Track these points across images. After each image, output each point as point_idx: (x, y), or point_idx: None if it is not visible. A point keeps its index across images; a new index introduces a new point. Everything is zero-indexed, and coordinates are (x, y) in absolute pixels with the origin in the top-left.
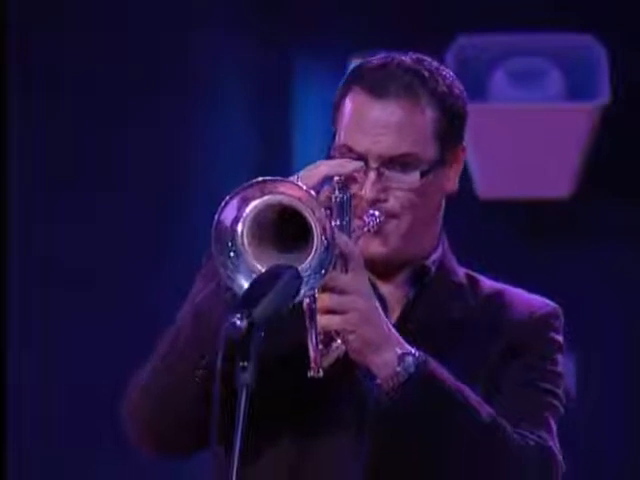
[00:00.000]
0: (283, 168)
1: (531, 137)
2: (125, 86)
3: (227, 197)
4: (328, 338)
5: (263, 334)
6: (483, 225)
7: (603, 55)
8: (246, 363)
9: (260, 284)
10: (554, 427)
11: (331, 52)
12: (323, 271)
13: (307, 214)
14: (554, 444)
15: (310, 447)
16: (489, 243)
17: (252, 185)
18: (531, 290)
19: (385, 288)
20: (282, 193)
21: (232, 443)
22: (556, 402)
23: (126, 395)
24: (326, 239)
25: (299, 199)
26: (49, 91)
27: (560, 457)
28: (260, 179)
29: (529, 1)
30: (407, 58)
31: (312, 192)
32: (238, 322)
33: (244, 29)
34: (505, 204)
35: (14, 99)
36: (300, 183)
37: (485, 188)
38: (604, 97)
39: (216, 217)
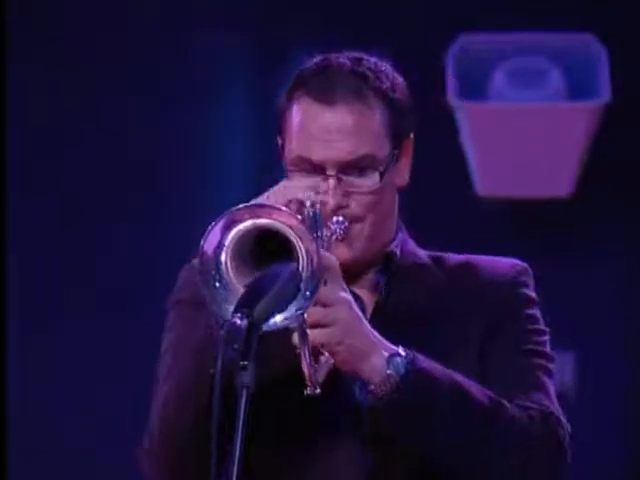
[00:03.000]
0: (283, 174)
1: (531, 136)
2: (126, 86)
3: (212, 223)
4: (316, 352)
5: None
6: (482, 224)
7: (603, 54)
8: (246, 362)
9: (259, 283)
10: (550, 387)
11: (332, 51)
12: (308, 293)
13: (295, 242)
14: (554, 407)
15: (309, 461)
16: (488, 242)
17: (238, 210)
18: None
19: (358, 289)
20: (271, 219)
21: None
22: (545, 362)
23: (144, 442)
24: (311, 267)
25: (289, 226)
26: (49, 90)
27: (564, 419)
28: (244, 205)
29: (529, 0)
30: (346, 60)
31: (299, 217)
32: (238, 321)
33: (245, 29)
34: (505, 203)
35: (14, 98)
36: (285, 208)
37: (485, 187)
38: (604, 96)
39: (200, 245)
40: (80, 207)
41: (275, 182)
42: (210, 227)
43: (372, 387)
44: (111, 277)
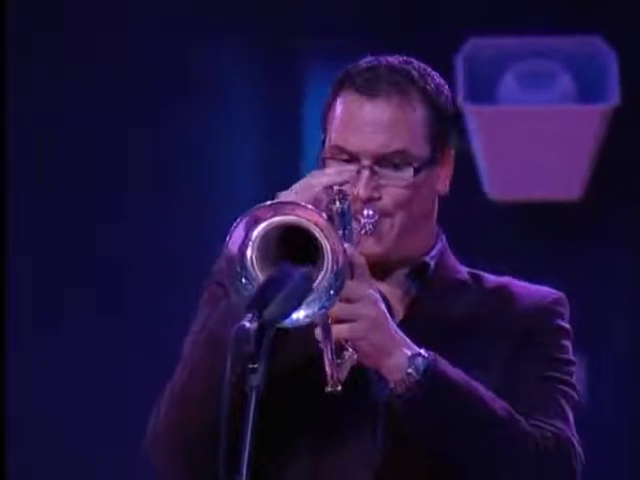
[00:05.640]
0: (292, 170)
1: (541, 139)
2: (131, 88)
3: (237, 220)
4: (339, 347)
5: (274, 341)
6: (493, 227)
7: (613, 57)
8: (256, 365)
9: (270, 286)
10: (570, 415)
11: (341, 54)
12: (332, 292)
13: (321, 239)
14: (572, 433)
15: (325, 456)
16: (498, 245)
17: (263, 207)
18: None
19: (384, 288)
20: (297, 216)
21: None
22: (569, 389)
23: (150, 430)
24: (337, 264)
25: (314, 223)
26: (49, 91)
27: (579, 447)
28: (269, 202)
29: (539, 4)
30: (395, 59)
31: (323, 214)
32: (248, 324)
33: (254, 31)
34: (515, 206)
35: (14, 98)
36: (311, 206)
37: (495, 190)
38: (614, 99)
39: (225, 242)
40: (82, 207)
41: (281, 181)
42: (235, 224)
43: (391, 384)
44: (111, 278)
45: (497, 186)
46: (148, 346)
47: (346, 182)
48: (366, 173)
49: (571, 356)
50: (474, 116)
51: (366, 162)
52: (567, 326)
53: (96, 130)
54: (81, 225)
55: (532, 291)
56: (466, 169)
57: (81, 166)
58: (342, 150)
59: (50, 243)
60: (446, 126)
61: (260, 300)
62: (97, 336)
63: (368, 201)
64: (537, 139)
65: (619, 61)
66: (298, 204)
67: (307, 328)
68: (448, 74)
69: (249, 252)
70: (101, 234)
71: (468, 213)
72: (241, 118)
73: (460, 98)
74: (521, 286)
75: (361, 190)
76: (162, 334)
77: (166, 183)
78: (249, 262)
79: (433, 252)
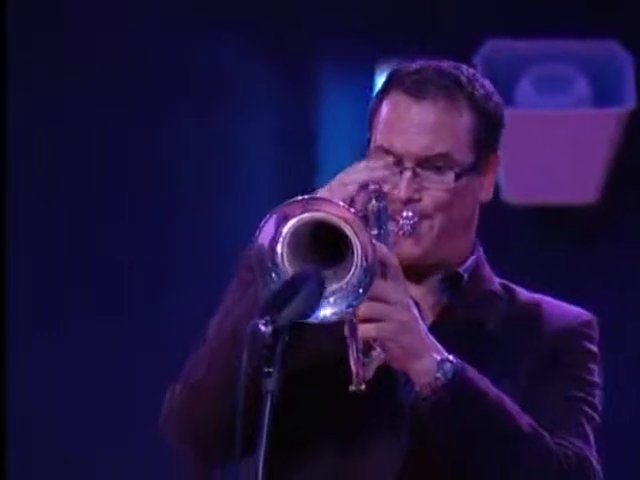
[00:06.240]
0: (307, 171)
1: (557, 143)
2: (131, 88)
3: (267, 215)
4: (367, 346)
5: (293, 340)
6: (509, 230)
7: (629, 61)
8: (271, 369)
9: (285, 290)
10: (591, 437)
11: (357, 57)
12: (361, 290)
13: (350, 235)
14: (592, 454)
15: (347, 456)
16: (515, 248)
17: (293, 203)
18: (557, 295)
19: (416, 291)
20: (326, 212)
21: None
22: (592, 411)
23: (165, 407)
24: (366, 261)
25: (344, 219)
26: (49, 91)
27: (598, 468)
28: (300, 198)
29: (556, 8)
30: (445, 63)
31: (353, 211)
32: (263, 327)
33: (270, 34)
34: (531, 209)
35: (14, 98)
36: (341, 202)
37: (511, 193)
38: (630, 103)
39: (255, 237)
40: (82, 207)
41: (298, 183)
42: (264, 220)
43: (418, 387)
44: (111, 278)
45: (513, 189)
46: (148, 346)
47: (381, 179)
48: (408, 174)
49: (597, 378)
50: None
51: (409, 164)
52: (595, 349)
53: (96, 130)
54: (81, 225)
55: (563, 311)
56: None
57: (81, 166)
58: (387, 151)
59: (50, 243)
60: (493, 134)
61: (275, 305)
62: (97, 336)
63: (408, 202)
64: (553, 143)
65: (635, 65)
66: (327, 200)
67: (336, 325)
68: None
69: (279, 248)
70: (101, 234)
71: (484, 216)
72: (241, 118)
73: None
74: (553, 305)
75: (402, 191)
76: (162, 334)
77: (166, 183)
78: (279, 258)
79: (468, 262)
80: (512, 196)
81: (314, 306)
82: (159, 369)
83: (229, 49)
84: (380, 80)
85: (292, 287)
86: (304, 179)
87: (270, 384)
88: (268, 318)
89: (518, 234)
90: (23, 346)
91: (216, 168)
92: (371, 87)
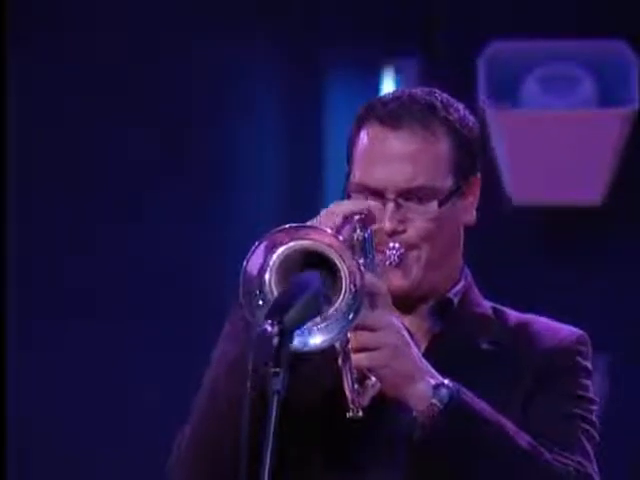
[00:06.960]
0: (314, 178)
1: (563, 143)
2: (131, 88)
3: (255, 243)
4: (361, 376)
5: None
6: (515, 230)
7: (635, 61)
8: (278, 369)
9: (290, 292)
10: (591, 452)
11: (364, 57)
12: (351, 316)
13: (337, 261)
14: (593, 470)
15: None
16: (520, 249)
17: (281, 231)
18: (563, 296)
19: (409, 321)
20: (312, 239)
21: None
22: (590, 428)
23: (175, 454)
24: (354, 286)
25: (330, 246)
26: (49, 91)
27: None
28: (287, 226)
29: (561, 7)
30: (418, 91)
31: (340, 237)
32: (269, 328)
33: (277, 34)
34: (537, 210)
35: (14, 98)
36: (328, 230)
37: (517, 194)
38: (636, 103)
39: (243, 266)
40: (82, 207)
41: (305, 183)
42: (252, 248)
43: (415, 413)
44: (111, 278)
45: (519, 190)
46: (148, 346)
47: (366, 211)
48: (391, 206)
49: (592, 394)
50: (496, 120)
51: (391, 195)
52: (588, 365)
53: (96, 130)
54: (81, 225)
55: (554, 330)
56: (488, 173)
57: (81, 166)
58: (366, 187)
59: (50, 243)
60: (472, 156)
61: (281, 306)
62: (97, 336)
63: (393, 234)
64: (559, 143)
65: None
66: (314, 227)
67: (332, 354)
68: (470, 77)
69: (267, 276)
70: (101, 234)
71: (490, 217)
72: (241, 118)
73: (482, 101)
74: (544, 324)
75: (387, 223)
76: (162, 334)
77: (166, 183)
78: (267, 286)
79: (457, 287)
80: (518, 196)
81: (319, 307)
82: (159, 369)
83: (233, 49)
84: (386, 80)
85: (297, 289)
86: (312, 179)
87: (277, 384)
88: (274, 319)
89: (524, 235)
90: (23, 346)
91: (223, 168)
92: (377, 87)
